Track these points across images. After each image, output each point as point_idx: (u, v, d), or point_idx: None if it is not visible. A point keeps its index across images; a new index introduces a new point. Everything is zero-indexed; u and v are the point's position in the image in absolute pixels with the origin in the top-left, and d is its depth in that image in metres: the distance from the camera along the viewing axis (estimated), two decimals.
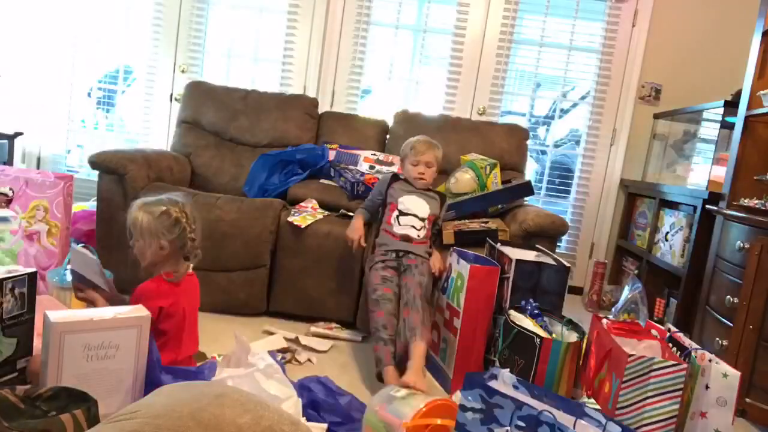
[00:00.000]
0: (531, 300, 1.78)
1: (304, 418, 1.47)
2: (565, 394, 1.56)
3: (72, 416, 1.04)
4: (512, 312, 1.75)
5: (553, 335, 1.67)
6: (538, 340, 1.56)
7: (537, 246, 2.10)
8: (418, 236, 2.18)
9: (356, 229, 2.20)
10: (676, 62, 3.41)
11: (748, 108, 2.24)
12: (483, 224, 2.31)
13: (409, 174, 2.28)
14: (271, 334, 2.17)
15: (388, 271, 2.05)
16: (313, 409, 1.53)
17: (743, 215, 2.05)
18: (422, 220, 2.21)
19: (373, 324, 1.90)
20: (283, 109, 2.98)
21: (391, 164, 2.76)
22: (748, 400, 1.88)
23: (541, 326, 1.71)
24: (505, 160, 2.82)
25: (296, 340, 2.13)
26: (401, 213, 2.21)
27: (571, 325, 1.72)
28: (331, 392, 1.57)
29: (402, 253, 2.11)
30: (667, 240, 2.89)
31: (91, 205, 2.79)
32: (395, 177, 2.34)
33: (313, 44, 3.52)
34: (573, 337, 1.66)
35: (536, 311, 1.77)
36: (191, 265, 1.58)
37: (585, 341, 1.64)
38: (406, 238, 2.16)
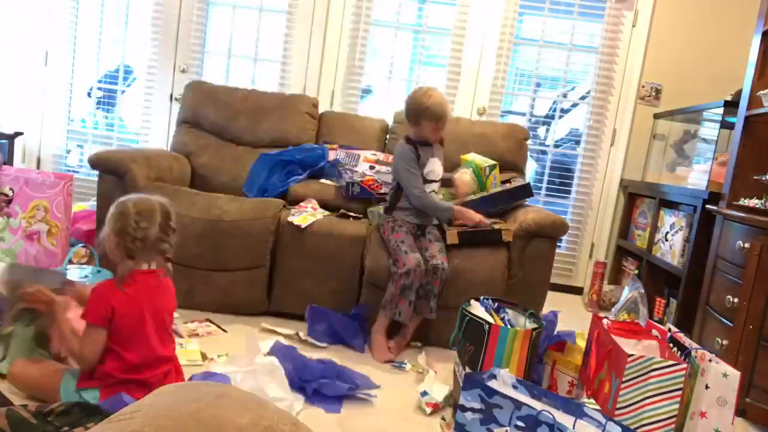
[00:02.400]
0: (488, 298, 1.89)
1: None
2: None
3: (84, 430, 1.04)
4: (472, 302, 1.83)
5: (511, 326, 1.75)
6: (487, 326, 1.64)
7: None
8: (440, 198, 2.37)
9: (463, 211, 2.27)
10: (676, 62, 3.40)
11: (748, 108, 2.24)
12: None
13: (428, 134, 2.25)
14: (271, 332, 2.17)
15: (410, 238, 2.20)
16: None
17: (743, 215, 2.05)
18: (438, 182, 2.34)
19: (390, 295, 2.10)
20: (283, 109, 2.98)
21: (391, 164, 2.75)
22: (748, 400, 1.88)
23: (501, 318, 1.80)
24: (505, 160, 2.82)
25: (296, 336, 2.15)
26: (426, 181, 2.27)
27: (534, 318, 1.79)
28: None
29: (420, 224, 2.30)
30: (667, 240, 2.89)
31: (91, 205, 2.80)
32: (411, 142, 2.27)
33: (313, 44, 3.52)
34: (529, 326, 1.72)
35: (496, 305, 1.86)
36: (153, 265, 1.50)
37: (540, 332, 1.73)
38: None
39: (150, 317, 1.45)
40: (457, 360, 1.76)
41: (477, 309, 1.79)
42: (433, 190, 2.31)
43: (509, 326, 1.72)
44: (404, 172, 2.23)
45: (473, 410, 1.26)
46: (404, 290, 2.07)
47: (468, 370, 1.65)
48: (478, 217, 2.24)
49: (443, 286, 2.16)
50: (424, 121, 2.21)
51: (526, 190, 2.50)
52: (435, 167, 2.30)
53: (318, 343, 2.11)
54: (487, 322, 1.65)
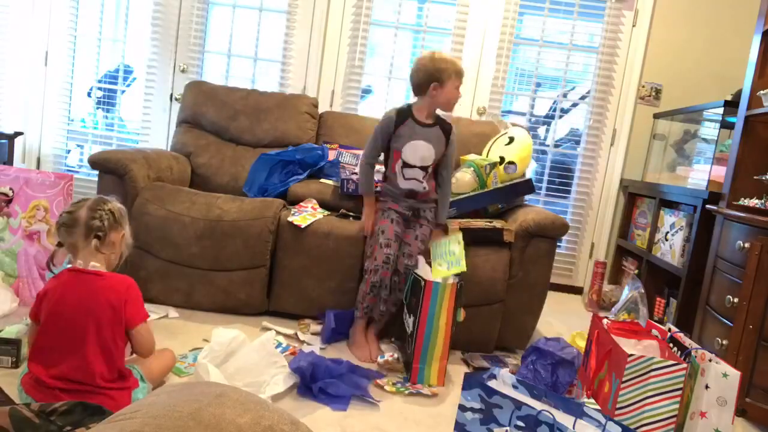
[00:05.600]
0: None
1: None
2: (445, 328, 1.90)
3: (86, 430, 1.04)
4: (418, 260, 2.10)
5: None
6: (423, 282, 1.89)
7: None
8: (424, 188, 2.21)
9: (368, 215, 2.24)
10: (676, 62, 3.41)
11: (748, 108, 2.24)
12: (488, 223, 2.32)
13: (450, 98, 2.12)
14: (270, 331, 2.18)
15: (399, 225, 2.17)
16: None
17: (743, 215, 2.05)
18: (425, 169, 2.17)
19: (362, 294, 2.12)
20: (283, 109, 2.98)
21: None
22: (748, 399, 1.88)
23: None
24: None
25: (295, 336, 2.16)
26: (405, 164, 2.16)
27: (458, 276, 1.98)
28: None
29: (409, 209, 2.23)
30: (667, 240, 2.89)
31: None
32: (401, 115, 2.14)
33: (313, 44, 3.52)
34: (451, 280, 1.94)
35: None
36: (89, 263, 1.45)
37: (462, 286, 1.95)
38: (411, 194, 2.21)
39: (82, 325, 1.44)
40: (406, 310, 2.05)
41: (421, 268, 2.06)
42: (415, 178, 2.17)
43: None
44: (372, 134, 2.20)
45: (473, 410, 1.26)
46: (373, 288, 2.08)
47: (411, 317, 1.95)
48: (367, 224, 2.22)
49: None
50: (448, 81, 2.08)
51: (527, 186, 2.49)
52: (419, 151, 2.13)
53: (318, 344, 2.11)
54: (424, 279, 1.90)
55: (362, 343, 2.12)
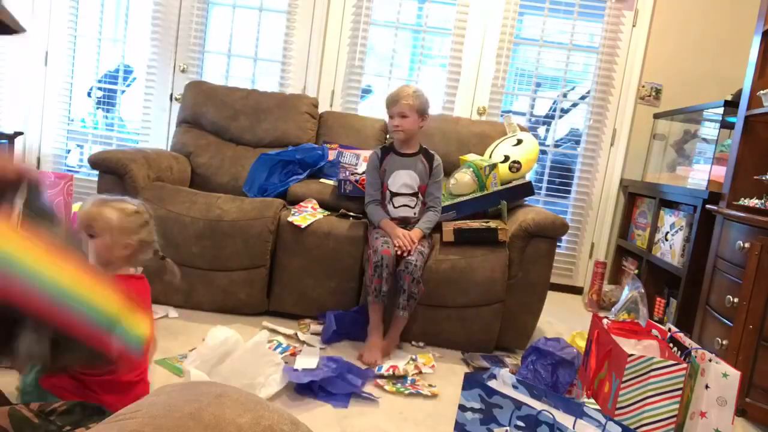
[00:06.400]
0: None
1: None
2: None
3: (86, 430, 1.04)
4: None
5: None
6: None
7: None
8: (415, 213, 2.31)
9: (393, 231, 2.19)
10: (676, 62, 3.41)
11: (748, 108, 2.24)
12: (484, 223, 2.32)
13: (390, 130, 2.26)
14: (271, 331, 2.18)
15: (393, 247, 2.13)
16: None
17: (743, 215, 2.05)
18: (414, 195, 2.29)
19: (368, 278, 2.09)
20: (283, 109, 2.98)
21: None
22: (748, 399, 1.88)
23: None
24: None
25: (295, 336, 2.15)
26: (393, 194, 2.29)
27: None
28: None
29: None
30: (667, 240, 2.89)
31: None
32: (384, 150, 2.32)
33: (313, 44, 3.52)
34: None
35: None
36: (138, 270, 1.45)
37: None
38: (404, 221, 2.29)
39: None
40: None
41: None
42: (405, 204, 2.30)
43: None
44: (366, 181, 2.33)
45: (473, 410, 1.26)
46: (376, 268, 2.06)
47: None
48: (403, 240, 2.12)
49: (426, 288, 2.13)
50: (388, 113, 2.25)
51: (527, 189, 2.49)
52: (400, 179, 2.28)
53: (318, 344, 2.11)
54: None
55: (374, 345, 2.06)
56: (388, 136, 2.43)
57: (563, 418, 1.18)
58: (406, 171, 2.27)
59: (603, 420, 1.17)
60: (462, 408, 1.26)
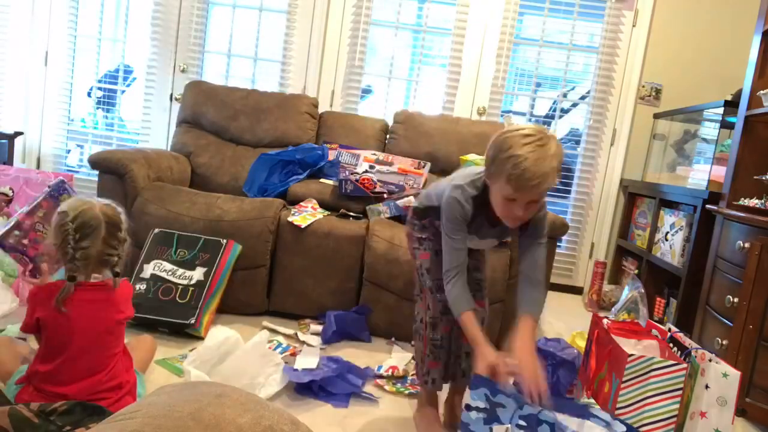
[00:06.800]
0: None
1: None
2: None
3: (86, 430, 1.04)
4: None
5: None
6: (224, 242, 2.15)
7: None
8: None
9: (486, 359, 1.34)
10: (676, 62, 3.40)
11: (748, 108, 2.24)
12: None
13: (497, 208, 1.37)
14: (271, 331, 2.18)
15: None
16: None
17: (743, 215, 2.05)
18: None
19: (420, 355, 1.59)
20: (283, 109, 2.98)
21: (391, 164, 2.75)
22: (748, 399, 1.88)
23: None
24: None
25: (295, 336, 2.16)
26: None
27: None
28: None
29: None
30: (667, 240, 2.89)
31: None
32: (476, 205, 1.44)
33: (313, 44, 3.52)
34: None
35: None
36: (101, 277, 1.36)
37: None
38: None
39: (80, 337, 1.29)
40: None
41: None
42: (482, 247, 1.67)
43: None
44: (444, 236, 1.47)
45: (478, 409, 1.26)
46: (434, 349, 1.54)
47: (205, 269, 2.12)
48: (496, 368, 1.32)
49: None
50: (493, 175, 1.33)
51: None
52: (482, 246, 1.64)
53: (318, 345, 2.11)
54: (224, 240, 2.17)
55: (430, 418, 1.59)
56: (387, 138, 2.31)
57: (564, 418, 1.18)
58: (490, 240, 1.61)
59: (608, 419, 1.17)
60: (467, 407, 1.26)
